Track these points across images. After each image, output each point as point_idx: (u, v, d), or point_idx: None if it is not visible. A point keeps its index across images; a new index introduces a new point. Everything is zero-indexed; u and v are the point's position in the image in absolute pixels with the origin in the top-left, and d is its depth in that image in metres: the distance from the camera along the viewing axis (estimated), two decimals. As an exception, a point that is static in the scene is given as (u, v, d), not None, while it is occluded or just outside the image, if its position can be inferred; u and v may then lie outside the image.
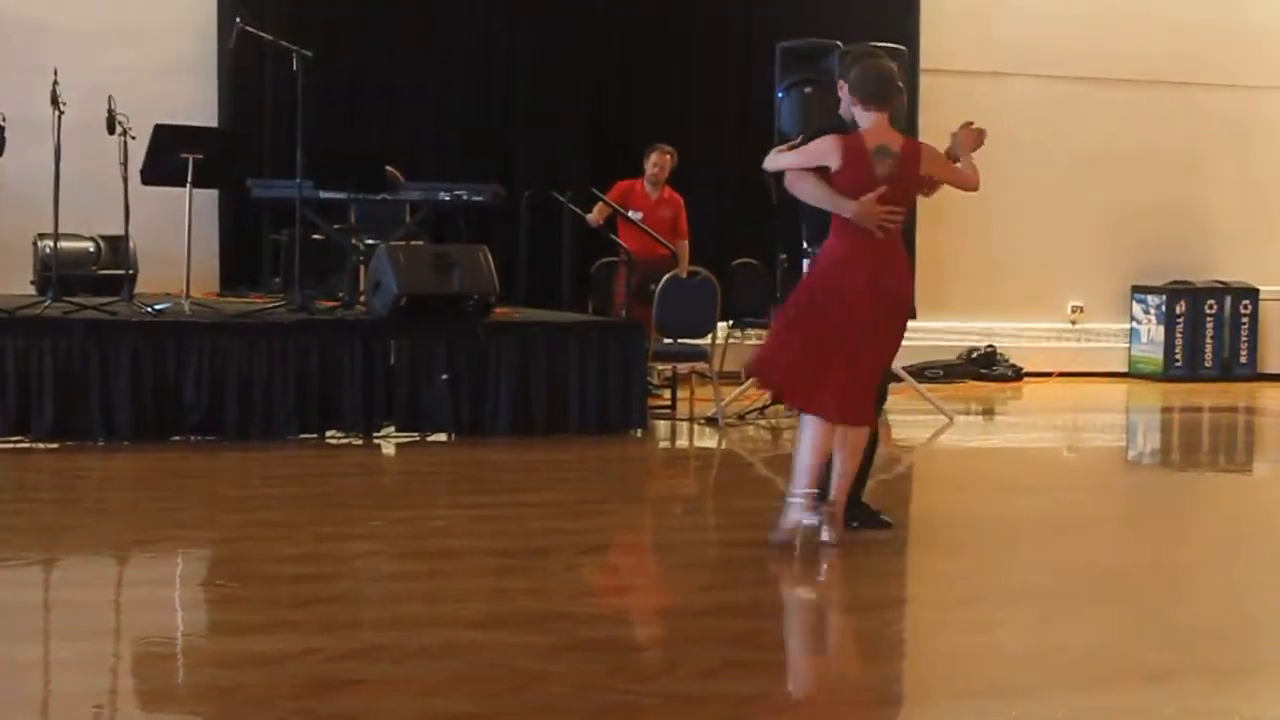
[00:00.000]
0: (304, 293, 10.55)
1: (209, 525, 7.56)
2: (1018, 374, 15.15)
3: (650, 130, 13.24)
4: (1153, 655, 5.48)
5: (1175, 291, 15.60)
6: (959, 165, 7.04)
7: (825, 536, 6.80)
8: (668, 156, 12.39)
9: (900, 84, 7.15)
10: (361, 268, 11.13)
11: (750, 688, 5.01)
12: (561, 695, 4.82)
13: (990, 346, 15.18)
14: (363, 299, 10.81)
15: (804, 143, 7.11)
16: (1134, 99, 15.62)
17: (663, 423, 11.53)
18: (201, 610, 6.14)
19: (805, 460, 6.81)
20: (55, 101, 10.08)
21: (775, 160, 7.09)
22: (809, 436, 6.80)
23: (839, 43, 11.92)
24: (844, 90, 7.03)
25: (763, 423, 11.55)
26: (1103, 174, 15.51)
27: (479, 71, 13.96)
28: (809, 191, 6.92)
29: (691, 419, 11.65)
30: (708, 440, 11.10)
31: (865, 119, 6.83)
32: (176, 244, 10.29)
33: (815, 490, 6.80)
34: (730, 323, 12.96)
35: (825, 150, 6.83)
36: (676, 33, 14.51)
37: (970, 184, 7.14)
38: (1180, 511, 8.94)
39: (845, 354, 6.73)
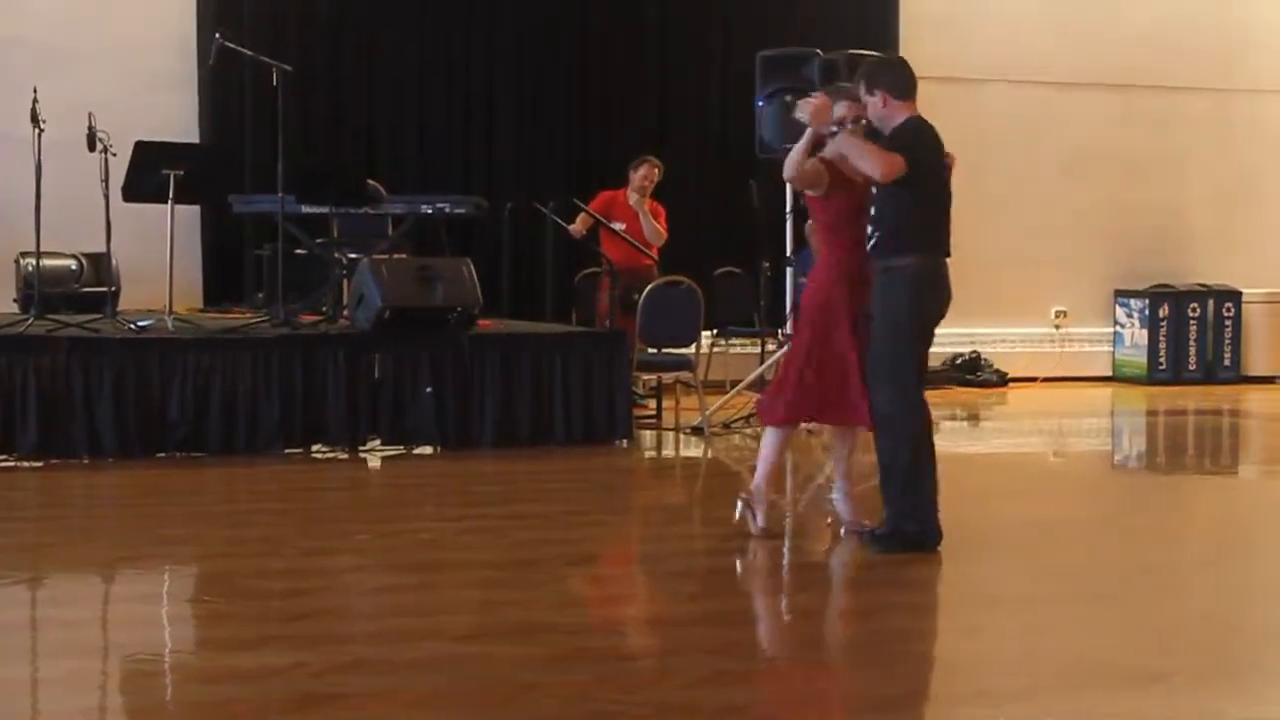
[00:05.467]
0: (287, 307, 10.54)
1: (195, 541, 7.54)
2: (1003, 379, 15.15)
3: (631, 141, 13.25)
4: (1142, 658, 5.48)
5: (1158, 295, 15.62)
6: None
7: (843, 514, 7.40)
8: (656, 169, 12.36)
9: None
10: (345, 281, 11.12)
11: (739, 696, 5.01)
12: (550, 706, 4.81)
13: (974, 352, 15.18)
14: (346, 313, 10.80)
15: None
16: (1113, 103, 15.67)
17: (648, 433, 11.51)
18: (189, 626, 6.13)
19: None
20: (35, 119, 10.06)
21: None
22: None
23: (818, 51, 12.00)
24: (871, 98, 6.96)
25: (748, 431, 11.54)
26: (1083, 179, 15.55)
27: (460, 84, 13.97)
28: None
29: (677, 428, 11.64)
30: (693, 450, 11.09)
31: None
32: (159, 260, 10.27)
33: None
34: (714, 332, 12.98)
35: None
36: (656, 43, 14.53)
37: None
38: (1167, 515, 8.94)
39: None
